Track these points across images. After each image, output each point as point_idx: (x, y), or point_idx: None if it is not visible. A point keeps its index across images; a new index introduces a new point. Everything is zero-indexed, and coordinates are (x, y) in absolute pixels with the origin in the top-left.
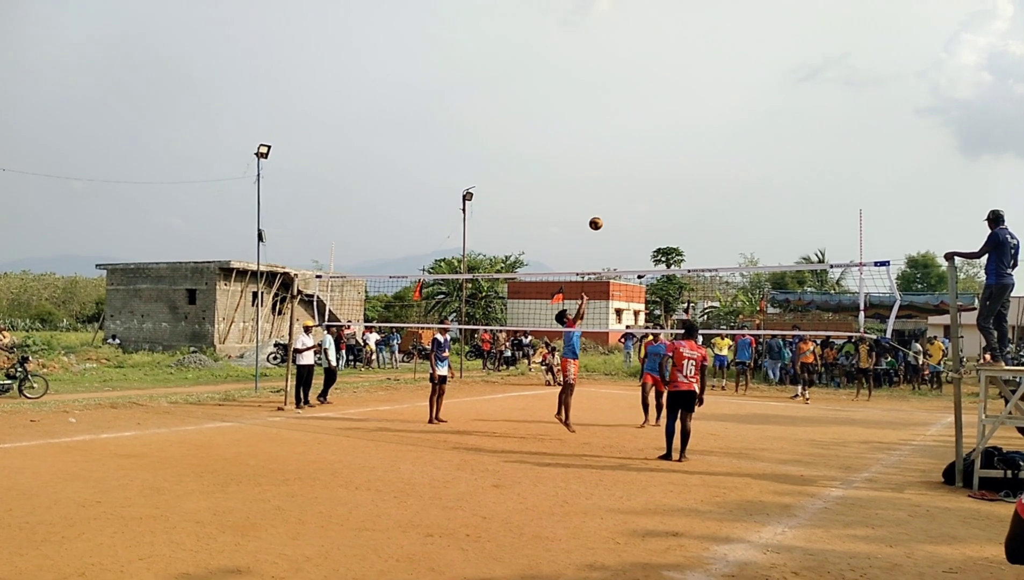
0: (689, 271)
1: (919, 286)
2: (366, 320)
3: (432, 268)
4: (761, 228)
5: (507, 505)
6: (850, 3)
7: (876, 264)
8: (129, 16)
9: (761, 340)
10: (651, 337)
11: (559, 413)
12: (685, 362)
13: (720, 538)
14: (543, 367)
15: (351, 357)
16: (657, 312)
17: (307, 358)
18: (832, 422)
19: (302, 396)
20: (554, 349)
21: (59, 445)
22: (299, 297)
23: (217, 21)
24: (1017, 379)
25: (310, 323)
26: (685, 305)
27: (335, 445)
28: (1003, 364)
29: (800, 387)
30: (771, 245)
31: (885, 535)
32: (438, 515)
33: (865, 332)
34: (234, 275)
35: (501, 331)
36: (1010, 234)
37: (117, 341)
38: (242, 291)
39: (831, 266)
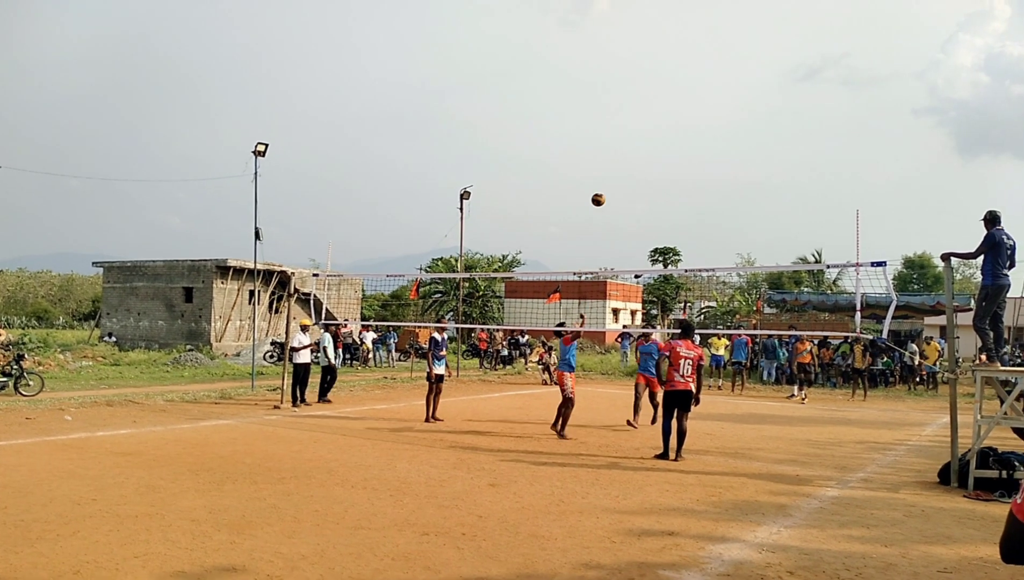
0: (686, 271)
1: (915, 286)
2: (363, 319)
3: (429, 267)
4: (759, 228)
5: (503, 504)
6: (849, 3)
7: (872, 264)
8: (129, 15)
9: (757, 340)
10: (642, 337)
11: (555, 425)
12: (682, 362)
13: (716, 537)
14: (539, 366)
15: (347, 356)
16: (655, 312)
17: (303, 357)
18: (828, 422)
19: (298, 394)
20: (551, 348)
21: (55, 443)
22: (296, 295)
23: (217, 20)
24: (1013, 380)
25: (307, 322)
26: (682, 305)
27: (331, 443)
28: (999, 365)
29: (797, 387)
30: (768, 245)
31: (880, 535)
32: (434, 514)
33: (861, 332)
34: (231, 273)
35: (498, 330)
36: (1006, 235)
37: (113, 339)
38: (239, 289)
39: (828, 266)
